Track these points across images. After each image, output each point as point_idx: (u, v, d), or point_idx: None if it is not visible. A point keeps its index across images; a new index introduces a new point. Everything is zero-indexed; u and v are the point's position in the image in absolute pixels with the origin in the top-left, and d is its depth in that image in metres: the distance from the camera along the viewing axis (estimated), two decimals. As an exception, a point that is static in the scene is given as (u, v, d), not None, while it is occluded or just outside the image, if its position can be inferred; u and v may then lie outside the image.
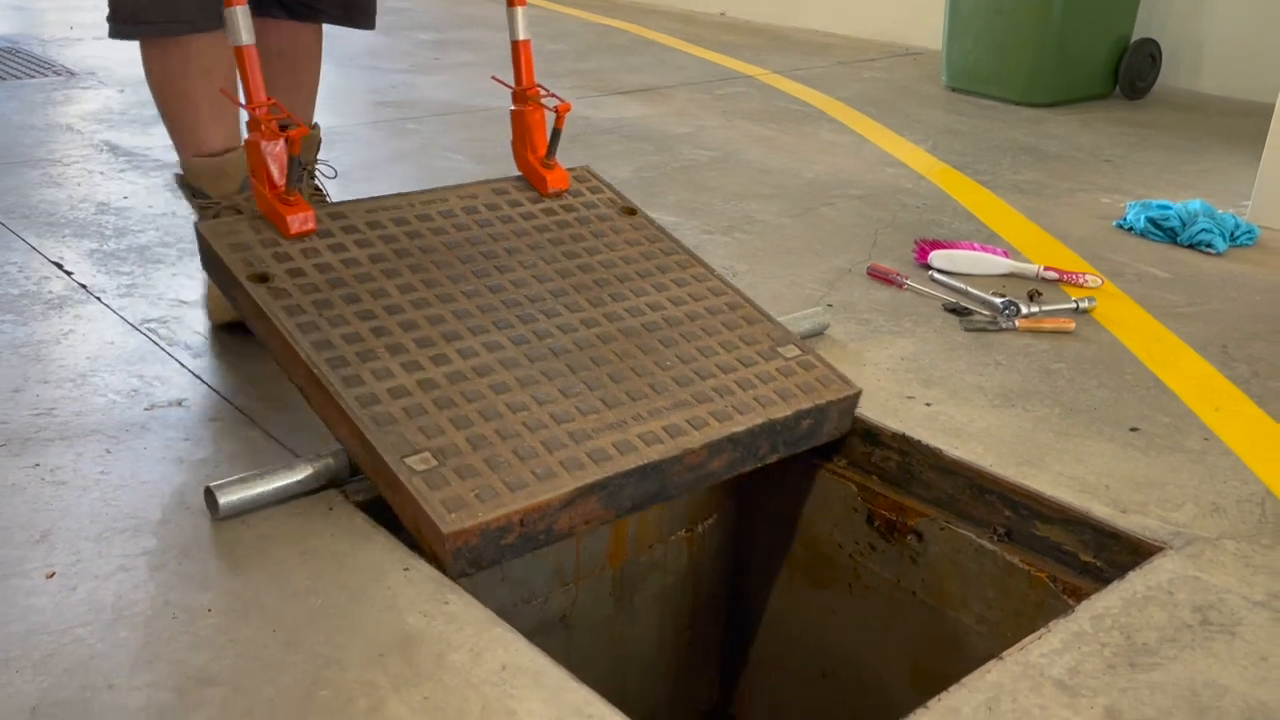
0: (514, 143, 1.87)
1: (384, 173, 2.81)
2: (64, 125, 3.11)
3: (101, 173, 2.67)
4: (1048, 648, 1.20)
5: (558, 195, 1.84)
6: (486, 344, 1.49)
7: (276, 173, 1.58)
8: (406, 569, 1.27)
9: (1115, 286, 2.25)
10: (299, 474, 1.38)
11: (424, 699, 1.08)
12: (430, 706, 1.07)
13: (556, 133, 1.82)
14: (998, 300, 2.07)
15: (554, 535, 1.32)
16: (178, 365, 1.72)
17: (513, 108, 1.85)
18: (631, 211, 1.86)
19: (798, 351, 1.63)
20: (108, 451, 1.48)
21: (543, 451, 1.35)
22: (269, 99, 1.57)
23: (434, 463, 1.29)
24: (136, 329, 1.83)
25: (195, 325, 1.85)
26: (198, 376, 1.69)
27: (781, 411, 1.52)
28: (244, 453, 1.49)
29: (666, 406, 1.46)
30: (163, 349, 1.77)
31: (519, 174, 1.87)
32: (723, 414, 1.47)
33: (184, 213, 2.39)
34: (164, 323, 1.86)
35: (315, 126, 2.08)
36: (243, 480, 1.35)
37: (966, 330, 2.01)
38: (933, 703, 1.11)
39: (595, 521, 1.36)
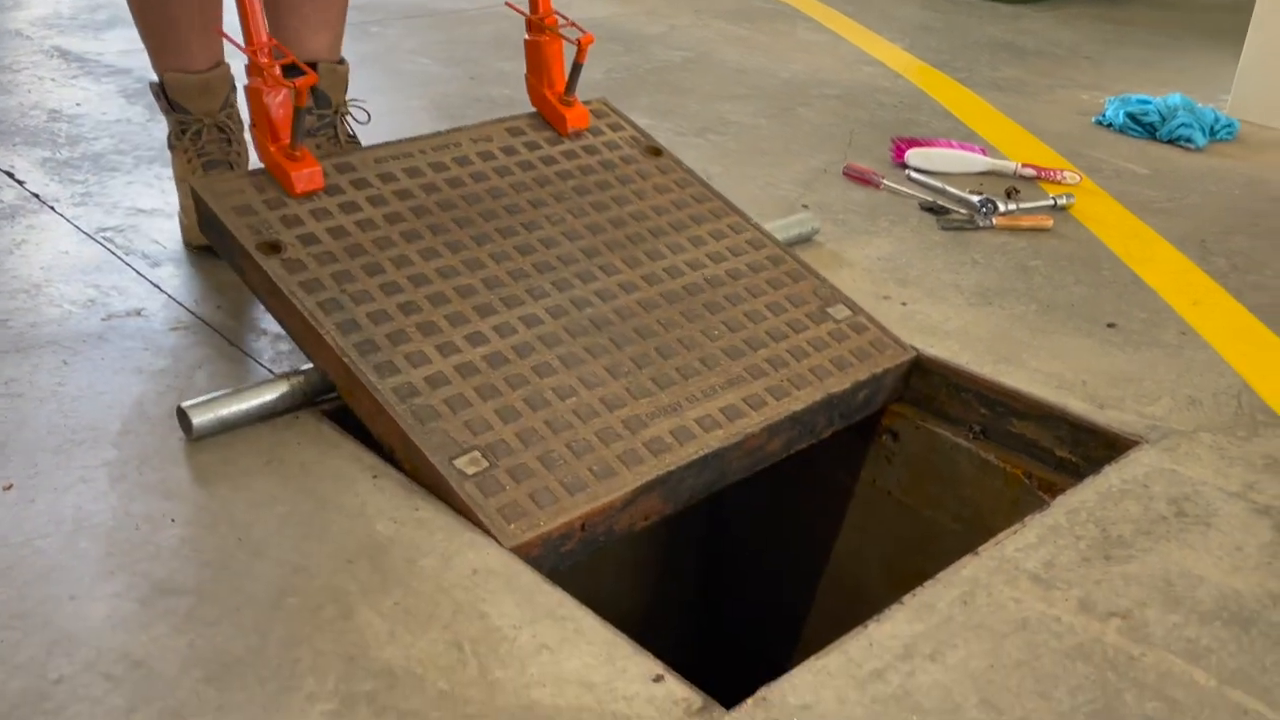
0: (528, 76, 1.72)
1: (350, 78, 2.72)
2: (13, 31, 3.00)
3: (53, 79, 2.58)
4: (1023, 542, 1.19)
5: (577, 135, 1.71)
6: (523, 318, 1.39)
7: (280, 124, 1.44)
8: (375, 476, 1.25)
9: (1093, 183, 2.22)
10: (275, 392, 1.32)
11: (394, 604, 1.06)
12: (400, 611, 1.06)
13: (578, 67, 1.66)
14: (975, 198, 2.03)
15: (613, 535, 1.25)
16: (135, 274, 1.67)
17: (527, 37, 1.68)
18: (657, 152, 1.74)
19: (848, 312, 1.55)
20: (65, 363, 1.44)
21: (598, 444, 1.26)
22: (271, 39, 1.43)
23: (485, 464, 1.21)
24: (92, 238, 1.78)
25: (152, 234, 1.80)
26: (156, 285, 1.64)
27: (840, 384, 1.44)
28: (206, 361, 1.45)
29: (721, 384, 1.38)
30: (119, 258, 1.72)
31: (533, 110, 1.73)
32: (780, 390, 1.40)
33: (139, 119, 2.31)
34: (120, 231, 1.81)
35: (342, 62, 1.87)
36: (216, 399, 1.29)
37: (943, 229, 1.98)
38: (908, 598, 1.11)
39: (654, 516, 1.29)
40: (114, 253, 1.73)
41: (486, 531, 1.15)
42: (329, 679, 0.97)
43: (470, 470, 1.20)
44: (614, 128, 1.76)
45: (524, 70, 1.73)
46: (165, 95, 1.74)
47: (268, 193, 1.44)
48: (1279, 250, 1.94)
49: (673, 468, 1.27)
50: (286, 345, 1.48)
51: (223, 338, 1.51)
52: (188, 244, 1.74)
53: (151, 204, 1.91)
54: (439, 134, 1.62)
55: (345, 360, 1.28)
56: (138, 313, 1.57)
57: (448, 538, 1.15)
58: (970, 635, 1.06)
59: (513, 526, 1.16)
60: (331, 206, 1.45)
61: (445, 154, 1.59)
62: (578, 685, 0.98)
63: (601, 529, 1.23)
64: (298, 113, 1.41)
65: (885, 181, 2.15)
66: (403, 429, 1.23)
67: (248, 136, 1.74)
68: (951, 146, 2.29)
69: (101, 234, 1.80)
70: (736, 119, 2.52)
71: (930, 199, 2.08)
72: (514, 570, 1.12)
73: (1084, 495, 1.27)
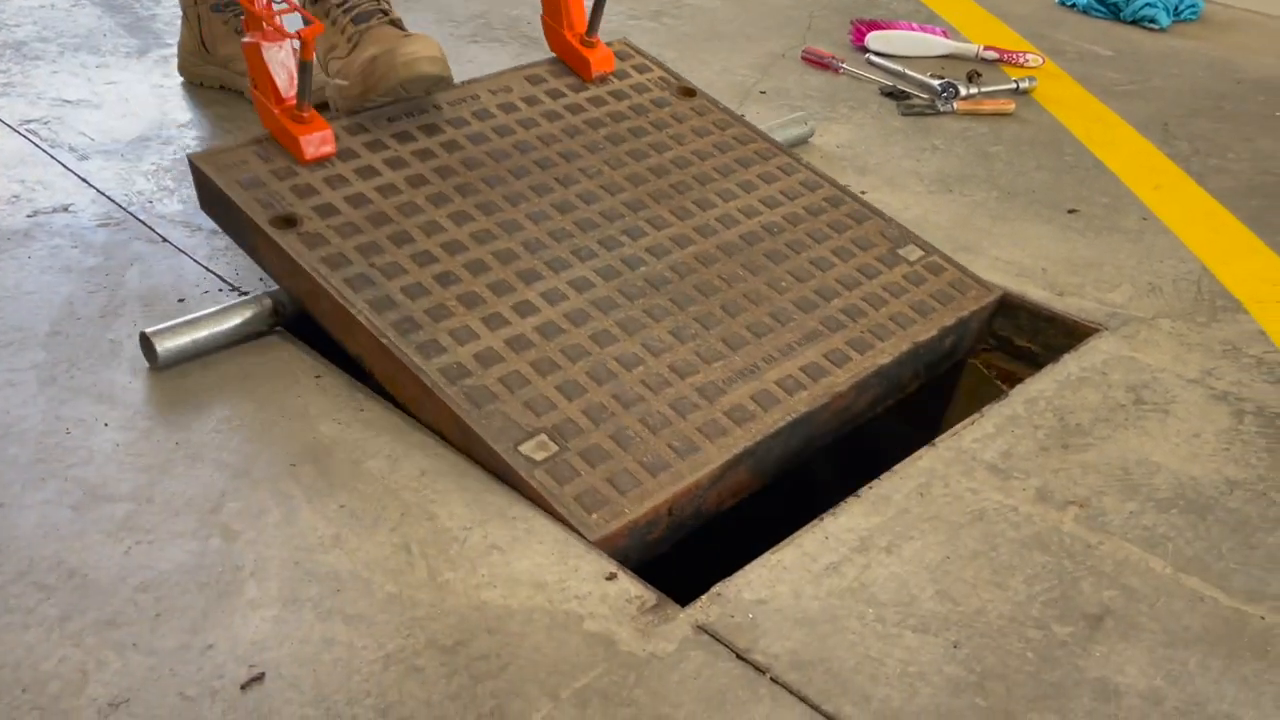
0: (545, 19, 1.58)
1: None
2: (-75, -89, 2.83)
3: (-31, -37, 2.43)
4: (980, 432, 1.18)
5: (602, 80, 1.57)
6: (572, 282, 1.26)
7: (284, 83, 1.31)
8: (318, 376, 1.21)
9: (1056, 65, 2.17)
10: (245, 314, 1.23)
11: (340, 507, 1.03)
12: (346, 515, 1.03)
13: (600, 3, 1.52)
14: (936, 82, 1.98)
15: (701, 517, 1.14)
16: (62, 168, 1.59)
17: None
18: (690, 92, 1.60)
19: (921, 252, 1.43)
20: (-12, 262, 1.37)
21: (675, 417, 1.14)
22: None
23: (554, 448, 1.08)
24: (15, 130, 1.69)
25: (79, 125, 1.71)
26: (84, 180, 1.56)
27: (925, 332, 1.32)
28: (138, 259, 1.39)
29: (797, 341, 1.26)
30: (45, 151, 1.64)
31: (552, 56, 1.59)
32: (862, 343, 1.28)
33: (63, 5, 2.19)
34: (45, 123, 1.72)
35: None
36: (184, 325, 1.20)
37: (904, 114, 1.93)
38: (864, 490, 1.09)
39: (742, 493, 1.19)
40: (39, 146, 1.65)
41: (565, 523, 1.03)
42: (272, 584, 0.95)
43: (539, 456, 1.08)
44: (640, 69, 1.62)
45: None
46: None
47: (275, 161, 1.31)
48: (1241, 133, 1.91)
49: (760, 437, 1.15)
50: (222, 241, 1.42)
51: (155, 234, 1.45)
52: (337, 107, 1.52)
53: (77, 94, 1.82)
54: (453, 87, 1.49)
55: (384, 342, 1.15)
56: (65, 208, 1.50)
57: (394, 438, 1.12)
58: (926, 527, 1.05)
59: (594, 516, 1.04)
60: (347, 173, 1.33)
61: (463, 108, 1.46)
62: (529, 585, 0.96)
63: (689, 511, 1.12)
64: (303, 67, 1.26)
65: (845, 66, 2.09)
66: (457, 414, 1.10)
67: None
68: (912, 29, 2.22)
69: (25, 126, 1.71)
70: (692, 1, 2.44)
71: (890, 84, 2.03)
72: (463, 470, 1.09)
73: (1043, 384, 1.26)
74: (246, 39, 1.30)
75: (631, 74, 1.62)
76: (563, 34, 1.57)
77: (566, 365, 1.18)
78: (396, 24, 1.53)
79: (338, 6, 1.55)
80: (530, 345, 1.19)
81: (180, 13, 1.84)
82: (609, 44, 1.61)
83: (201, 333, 1.21)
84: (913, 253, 1.43)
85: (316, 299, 1.21)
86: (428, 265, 1.25)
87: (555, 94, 1.54)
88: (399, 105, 1.44)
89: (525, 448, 1.08)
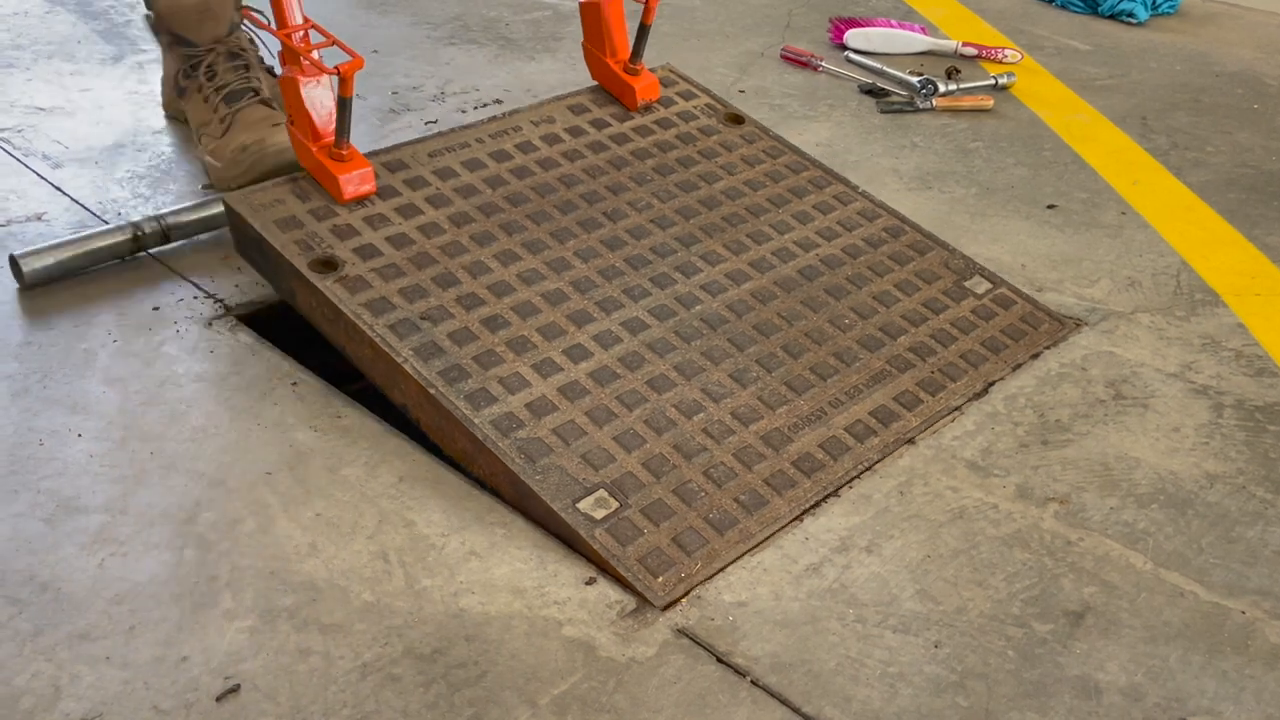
0: (586, 45, 1.54)
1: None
2: (-103, -81, 2.80)
3: (-58, -30, 2.41)
4: (961, 430, 1.18)
5: (647, 108, 1.52)
6: (626, 324, 1.21)
7: (322, 119, 1.27)
8: (295, 383, 1.20)
9: (1035, 61, 2.17)
10: (115, 238, 1.36)
11: (316, 515, 1.03)
12: (323, 523, 1.02)
13: (644, 29, 1.47)
14: (915, 79, 1.98)
15: None
16: (35, 177, 1.58)
17: None
18: (739, 119, 1.55)
19: (988, 285, 1.38)
20: (-40, 273, 1.36)
21: (740, 469, 1.09)
22: (307, 20, 1.25)
23: (614, 504, 1.03)
24: (-13, 140, 1.68)
25: (53, 134, 1.70)
26: (58, 188, 1.55)
27: (998, 371, 1.26)
28: (112, 268, 1.38)
29: (864, 383, 1.21)
30: (18, 160, 1.62)
31: (594, 84, 1.54)
32: (933, 384, 1.22)
33: (37, 11, 2.17)
34: (19, 131, 1.70)
35: None
36: (51, 248, 1.33)
37: (883, 112, 1.93)
38: (844, 490, 1.09)
39: None
40: (12, 154, 1.64)
41: (630, 588, 0.98)
42: (247, 595, 0.94)
43: (599, 514, 1.02)
44: (685, 96, 1.57)
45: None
46: (166, 29, 1.55)
47: (312, 201, 1.27)
48: (1219, 126, 1.92)
49: (832, 489, 1.10)
50: (203, 252, 1.41)
51: (130, 242, 1.44)
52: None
53: (51, 101, 1.80)
54: (494, 119, 1.45)
55: (431, 391, 1.10)
56: (39, 217, 1.48)
57: (372, 445, 1.11)
58: (907, 526, 1.05)
59: (661, 580, 0.98)
60: (387, 211, 1.28)
61: (505, 141, 1.42)
62: (508, 592, 0.96)
63: None
64: (342, 104, 1.23)
65: (824, 64, 2.09)
66: (512, 470, 1.05)
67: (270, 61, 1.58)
68: (891, 26, 2.22)
69: (-2, 135, 1.69)
70: (670, 0, 2.43)
71: (869, 81, 2.03)
72: (440, 476, 1.08)
73: (1023, 380, 1.26)
74: (283, 73, 1.27)
75: (677, 101, 1.56)
76: (605, 61, 1.52)
77: (623, 413, 1.12)
78: (268, 103, 1.52)
79: (209, 84, 1.55)
80: (584, 393, 1.14)
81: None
82: (653, 70, 1.56)
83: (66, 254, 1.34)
84: (980, 285, 1.38)
85: (359, 346, 1.17)
86: (474, 309, 1.20)
87: (600, 124, 1.50)
88: (439, 139, 1.40)
89: (584, 505, 1.03)
